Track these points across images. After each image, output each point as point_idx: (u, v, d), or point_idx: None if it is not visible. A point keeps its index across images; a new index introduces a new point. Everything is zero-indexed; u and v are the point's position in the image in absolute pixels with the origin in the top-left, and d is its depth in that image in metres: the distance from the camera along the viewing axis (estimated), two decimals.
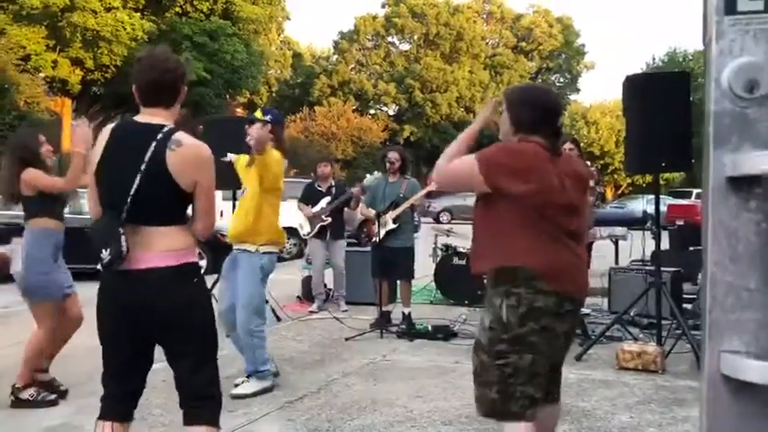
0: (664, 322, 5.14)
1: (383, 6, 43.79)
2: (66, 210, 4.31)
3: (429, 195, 6.56)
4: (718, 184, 1.11)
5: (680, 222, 9.01)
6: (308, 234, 7.61)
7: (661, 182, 6.07)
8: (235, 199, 5.30)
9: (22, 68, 21.02)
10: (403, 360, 5.20)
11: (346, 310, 7.26)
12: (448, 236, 8.29)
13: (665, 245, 7.55)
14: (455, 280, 7.56)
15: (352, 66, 43.46)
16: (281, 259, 12.02)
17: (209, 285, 2.61)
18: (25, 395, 4.01)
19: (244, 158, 4.39)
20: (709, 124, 1.12)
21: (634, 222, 10.55)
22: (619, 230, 7.90)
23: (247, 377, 4.29)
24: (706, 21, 1.16)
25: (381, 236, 6.25)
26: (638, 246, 7.76)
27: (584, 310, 6.02)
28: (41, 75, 23.01)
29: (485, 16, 46.08)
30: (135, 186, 2.25)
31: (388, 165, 6.49)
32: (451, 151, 2.56)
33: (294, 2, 66.31)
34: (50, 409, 3.93)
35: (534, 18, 45.37)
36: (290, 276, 8.68)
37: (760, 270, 1.10)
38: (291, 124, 34.96)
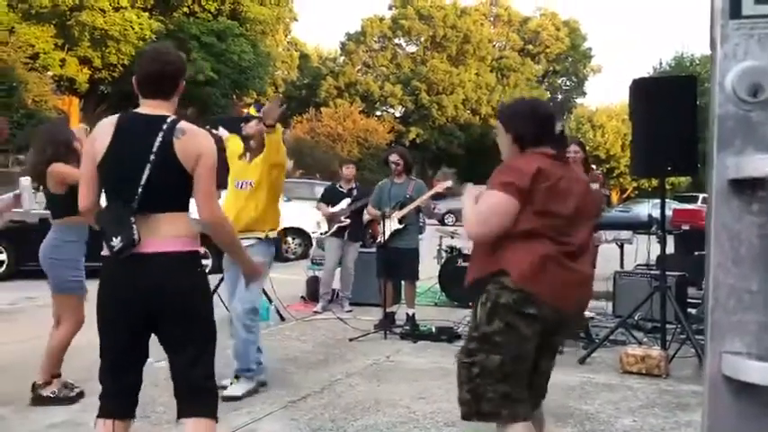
0: (668, 326, 5.13)
1: (390, 8, 43.91)
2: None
3: (435, 197, 6.58)
4: (722, 187, 1.12)
5: (685, 227, 8.97)
6: (326, 233, 7.62)
7: (667, 186, 6.04)
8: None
9: (30, 67, 21.16)
10: (406, 361, 5.21)
11: (350, 311, 7.27)
12: (452, 238, 8.29)
13: (670, 249, 7.53)
14: (459, 282, 7.51)
15: (359, 67, 43.56)
16: (285, 260, 12.10)
17: (212, 286, 2.63)
18: (47, 392, 3.94)
19: (238, 147, 4.44)
20: (713, 127, 1.13)
21: (639, 226, 10.52)
22: (624, 234, 7.89)
23: (236, 377, 4.22)
24: (713, 25, 1.17)
25: (386, 236, 6.27)
26: (644, 250, 7.76)
27: (589, 314, 6.02)
28: (49, 73, 23.15)
29: (492, 19, 46.13)
30: (145, 176, 2.32)
31: (392, 166, 6.54)
32: (467, 211, 2.45)
33: (301, 3, 66.67)
34: (54, 407, 3.88)
35: (541, 21, 45.40)
36: (295, 276, 8.70)
37: (762, 272, 1.11)
38: (298, 125, 35.05)
